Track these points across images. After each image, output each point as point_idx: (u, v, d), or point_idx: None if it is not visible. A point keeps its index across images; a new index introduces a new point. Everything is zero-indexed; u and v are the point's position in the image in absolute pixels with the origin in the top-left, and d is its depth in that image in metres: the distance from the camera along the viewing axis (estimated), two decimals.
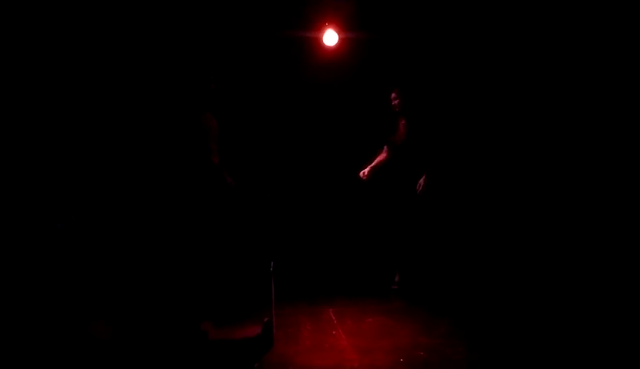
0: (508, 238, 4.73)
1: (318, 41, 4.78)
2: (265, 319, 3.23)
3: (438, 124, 4.65)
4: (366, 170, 4.49)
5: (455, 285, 4.45)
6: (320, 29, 4.72)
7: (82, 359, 2.96)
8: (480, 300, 4.08)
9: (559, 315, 3.62)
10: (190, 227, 4.14)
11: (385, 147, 4.51)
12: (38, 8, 3.93)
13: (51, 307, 3.36)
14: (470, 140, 5.04)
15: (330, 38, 4.72)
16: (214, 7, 4.57)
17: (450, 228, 4.84)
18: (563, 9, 4.45)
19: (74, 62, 4.16)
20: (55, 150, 4.01)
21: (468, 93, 5.04)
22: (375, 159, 4.54)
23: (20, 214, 3.62)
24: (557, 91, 4.62)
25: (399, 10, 4.94)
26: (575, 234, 4.38)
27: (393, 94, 4.39)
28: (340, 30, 4.72)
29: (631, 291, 3.77)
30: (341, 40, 4.76)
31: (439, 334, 3.33)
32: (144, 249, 4.06)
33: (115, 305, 3.59)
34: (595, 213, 4.33)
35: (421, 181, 4.26)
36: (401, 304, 4.09)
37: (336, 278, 4.76)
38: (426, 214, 4.38)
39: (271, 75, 4.91)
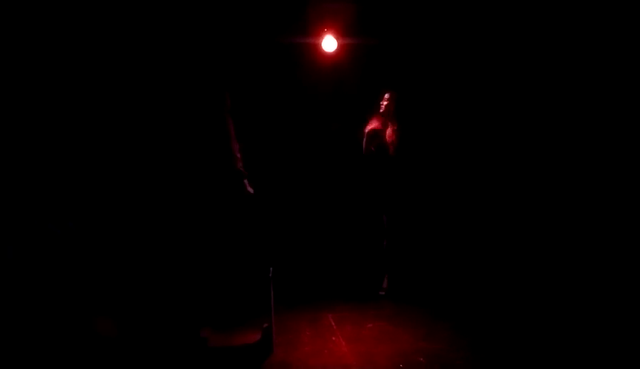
0: (508, 241, 4.72)
1: (317, 47, 4.79)
2: (265, 325, 3.22)
3: (431, 129, 4.64)
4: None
5: (457, 289, 4.43)
6: (319, 35, 4.73)
7: (84, 359, 2.96)
8: (482, 304, 4.06)
9: (561, 318, 3.60)
10: (190, 232, 4.14)
11: (372, 149, 4.39)
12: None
13: (56, 307, 3.36)
14: (469, 142, 5.04)
15: (329, 44, 4.73)
16: (212, 12, 4.59)
17: (449, 231, 4.83)
18: (560, 20, 4.47)
19: (77, 63, 4.17)
20: (61, 151, 4.02)
21: (467, 98, 5.05)
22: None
23: (23, 215, 3.62)
24: (555, 98, 4.63)
25: (398, 16, 4.95)
26: (575, 236, 4.37)
27: (386, 95, 4.34)
28: (339, 36, 4.74)
29: (631, 295, 3.75)
30: (340, 46, 4.78)
31: (440, 339, 3.31)
32: (145, 255, 4.06)
33: (116, 311, 3.58)
34: (595, 214, 4.32)
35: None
36: (401, 309, 4.06)
37: (336, 284, 4.74)
38: (409, 218, 4.37)
39: (270, 81, 4.92)
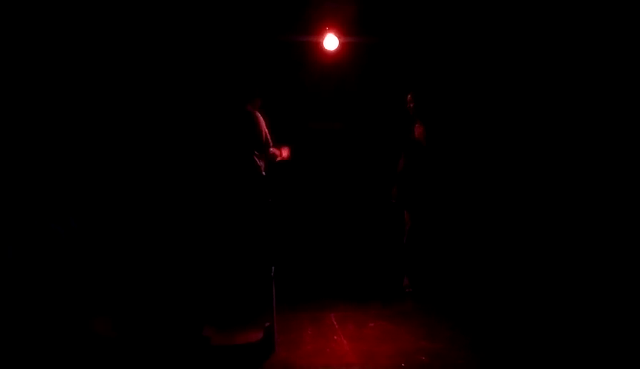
0: (511, 241, 4.72)
1: (319, 46, 4.79)
2: (267, 324, 3.23)
3: (450, 126, 4.65)
4: (394, 190, 4.46)
5: (459, 288, 4.43)
6: (320, 34, 4.73)
7: (85, 359, 2.97)
8: (484, 304, 4.05)
9: (563, 318, 3.60)
10: (192, 231, 4.15)
11: (402, 154, 4.43)
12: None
13: (56, 307, 3.37)
14: (475, 141, 5.03)
15: (330, 42, 4.72)
16: (214, 11, 4.59)
17: (456, 230, 4.83)
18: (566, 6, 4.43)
19: (81, 63, 4.19)
20: (64, 151, 4.03)
21: (473, 94, 5.04)
22: (397, 174, 4.45)
23: (23, 215, 3.63)
24: (558, 81, 4.60)
25: (399, 13, 4.95)
26: (577, 236, 4.37)
27: (409, 97, 4.37)
28: (340, 34, 4.73)
29: (631, 292, 3.75)
30: (341, 44, 4.77)
31: (442, 338, 3.31)
32: (147, 254, 4.07)
33: (118, 309, 3.59)
34: (596, 214, 4.32)
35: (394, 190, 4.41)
36: (404, 308, 4.06)
37: (338, 283, 4.74)
38: (432, 217, 4.37)
39: (272, 79, 4.91)
